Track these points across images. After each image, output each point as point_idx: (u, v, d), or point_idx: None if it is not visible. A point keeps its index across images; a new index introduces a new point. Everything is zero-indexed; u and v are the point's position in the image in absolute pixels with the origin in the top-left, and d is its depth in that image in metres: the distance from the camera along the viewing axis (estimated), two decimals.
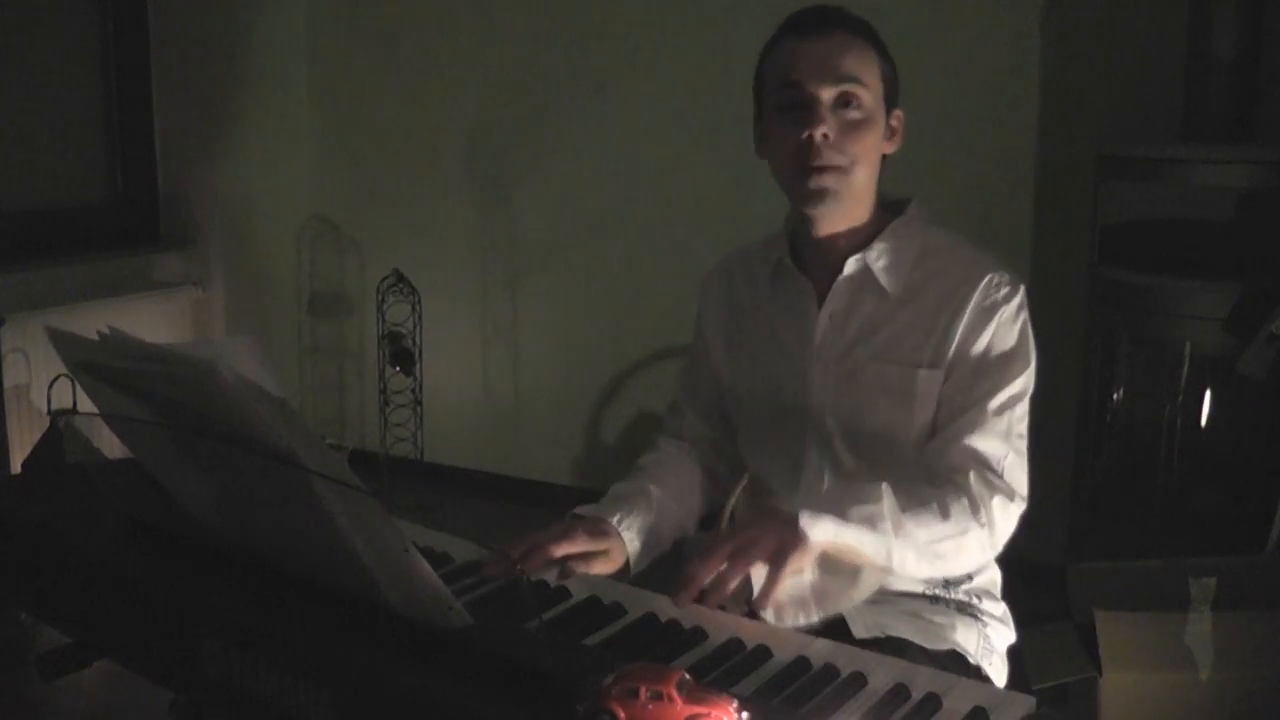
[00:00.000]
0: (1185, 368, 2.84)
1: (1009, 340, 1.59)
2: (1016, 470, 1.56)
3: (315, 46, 4.42)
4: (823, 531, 1.38)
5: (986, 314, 1.58)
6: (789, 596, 1.52)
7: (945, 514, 1.48)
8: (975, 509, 1.50)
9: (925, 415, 1.60)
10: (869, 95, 1.57)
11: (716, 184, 3.75)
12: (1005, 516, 1.53)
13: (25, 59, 3.71)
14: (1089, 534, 3.05)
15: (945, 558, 1.50)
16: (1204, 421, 2.87)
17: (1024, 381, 1.59)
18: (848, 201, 1.60)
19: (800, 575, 1.41)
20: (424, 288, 4.09)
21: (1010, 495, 1.54)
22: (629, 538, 1.59)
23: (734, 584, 1.32)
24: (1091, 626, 2.33)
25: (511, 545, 1.47)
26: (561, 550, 1.47)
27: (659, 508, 1.66)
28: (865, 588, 1.50)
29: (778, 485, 1.71)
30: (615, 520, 1.59)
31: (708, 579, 1.31)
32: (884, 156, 1.63)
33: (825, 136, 1.54)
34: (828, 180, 1.56)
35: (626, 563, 1.58)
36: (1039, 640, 2.37)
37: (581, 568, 1.47)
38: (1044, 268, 3.39)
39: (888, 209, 1.67)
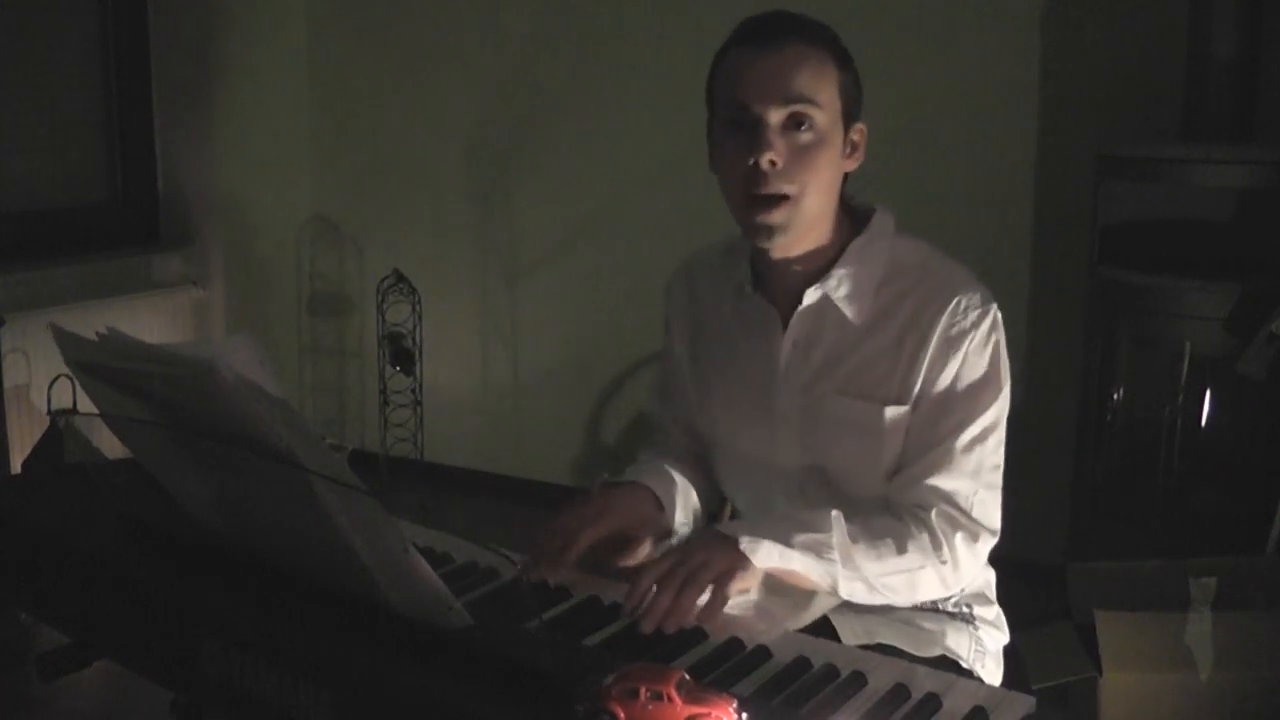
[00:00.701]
0: (1185, 368, 2.84)
1: (978, 369, 1.50)
2: (987, 506, 1.52)
3: (315, 46, 4.42)
4: (765, 556, 1.36)
5: (953, 343, 1.50)
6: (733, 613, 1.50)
7: (901, 549, 1.45)
8: (936, 545, 1.48)
9: (895, 451, 1.53)
10: (823, 115, 1.46)
11: (716, 184, 3.74)
12: (970, 553, 1.50)
13: (25, 59, 3.71)
14: (1089, 534, 3.05)
15: (898, 591, 1.48)
16: (1204, 421, 2.87)
17: (995, 412, 1.51)
18: (799, 231, 1.50)
19: (745, 595, 1.39)
20: (424, 288, 4.09)
21: (976, 534, 1.50)
22: (666, 501, 1.56)
23: (692, 611, 1.29)
24: (1091, 626, 2.32)
25: (544, 538, 1.44)
26: (590, 537, 1.44)
27: (679, 482, 1.64)
28: (816, 610, 1.46)
29: (748, 511, 1.68)
30: (649, 484, 1.57)
31: (666, 607, 1.29)
32: (846, 174, 1.54)
33: (773, 164, 1.44)
34: (775, 216, 1.47)
35: (667, 527, 1.55)
36: (1039, 640, 2.37)
37: (618, 564, 1.43)
38: (1044, 268, 3.39)
39: (851, 221, 1.57)
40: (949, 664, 1.53)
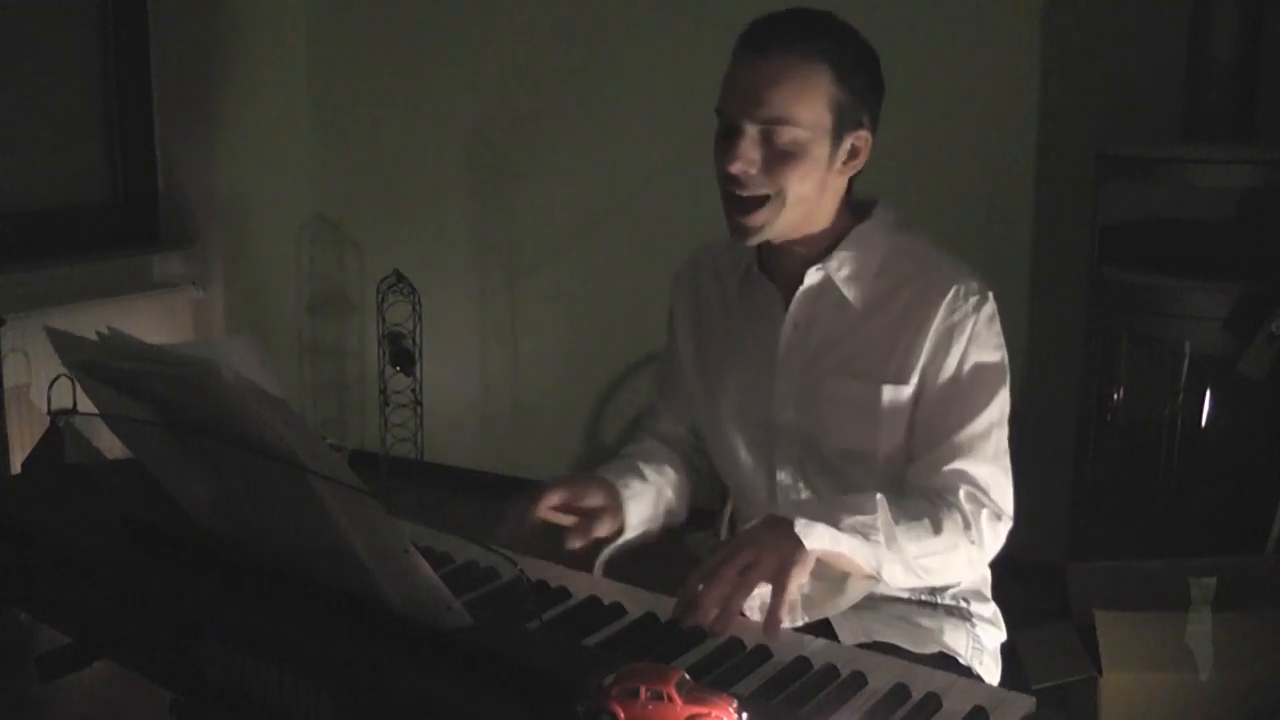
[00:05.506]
0: (1185, 368, 2.84)
1: (984, 354, 1.53)
2: (1004, 489, 1.54)
3: (315, 46, 4.42)
4: (818, 539, 1.35)
5: (955, 329, 1.52)
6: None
7: (937, 529, 1.46)
8: (967, 525, 1.49)
9: (894, 432, 1.55)
10: (801, 131, 1.47)
11: (714, 184, 3.74)
12: (994, 534, 1.52)
13: (25, 59, 3.71)
14: (1089, 534, 3.05)
15: (932, 572, 1.49)
16: (1204, 421, 2.87)
17: (1004, 396, 1.54)
18: (778, 233, 1.53)
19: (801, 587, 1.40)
20: (424, 288, 4.09)
21: (999, 514, 1.52)
22: (625, 494, 1.59)
23: (737, 613, 1.29)
24: (1091, 626, 2.33)
25: (512, 507, 1.49)
26: (554, 499, 1.52)
27: (652, 480, 1.65)
28: (852, 595, 1.48)
29: (751, 496, 1.69)
30: (611, 479, 1.60)
31: (715, 607, 1.28)
32: (852, 177, 1.56)
33: (747, 171, 1.48)
34: (752, 219, 1.50)
35: (622, 522, 1.58)
36: (1039, 640, 2.37)
37: (578, 540, 1.49)
38: (1044, 268, 3.39)
39: (853, 212, 1.60)
40: (947, 660, 1.54)
